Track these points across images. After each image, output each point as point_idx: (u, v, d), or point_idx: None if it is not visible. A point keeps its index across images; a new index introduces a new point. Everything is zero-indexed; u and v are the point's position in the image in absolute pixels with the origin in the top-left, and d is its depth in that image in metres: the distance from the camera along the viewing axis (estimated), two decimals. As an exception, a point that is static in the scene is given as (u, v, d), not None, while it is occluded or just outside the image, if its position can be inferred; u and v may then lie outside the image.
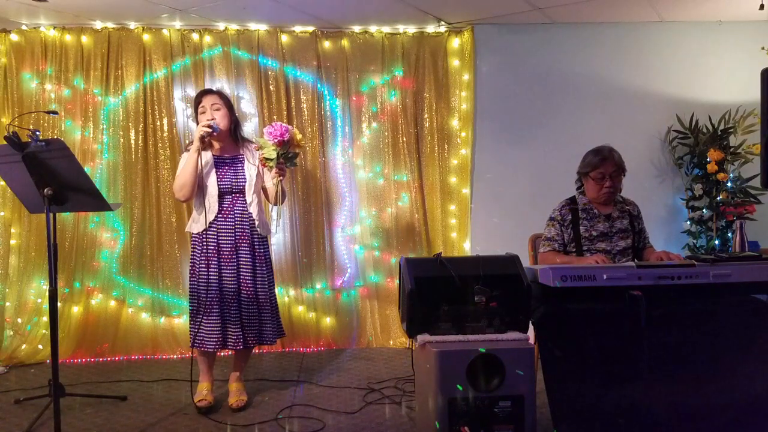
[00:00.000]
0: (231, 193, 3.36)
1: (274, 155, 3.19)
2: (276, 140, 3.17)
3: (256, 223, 3.39)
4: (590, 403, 2.60)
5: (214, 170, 3.34)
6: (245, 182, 3.37)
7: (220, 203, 3.34)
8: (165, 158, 4.50)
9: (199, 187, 3.34)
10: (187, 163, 3.31)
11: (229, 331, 3.33)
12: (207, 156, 3.35)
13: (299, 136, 3.28)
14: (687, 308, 2.69)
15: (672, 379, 2.60)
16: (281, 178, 3.28)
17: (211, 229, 3.34)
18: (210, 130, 3.26)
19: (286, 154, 3.24)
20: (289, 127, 3.24)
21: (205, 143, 3.30)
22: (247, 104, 4.61)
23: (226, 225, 3.35)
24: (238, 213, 3.36)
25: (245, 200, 3.39)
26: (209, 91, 3.47)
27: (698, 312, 2.70)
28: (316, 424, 3.15)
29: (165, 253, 4.52)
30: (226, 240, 3.34)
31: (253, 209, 3.38)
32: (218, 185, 3.33)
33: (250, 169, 3.39)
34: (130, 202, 4.49)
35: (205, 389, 3.41)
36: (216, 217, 3.34)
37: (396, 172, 4.73)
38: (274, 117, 4.57)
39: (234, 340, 3.33)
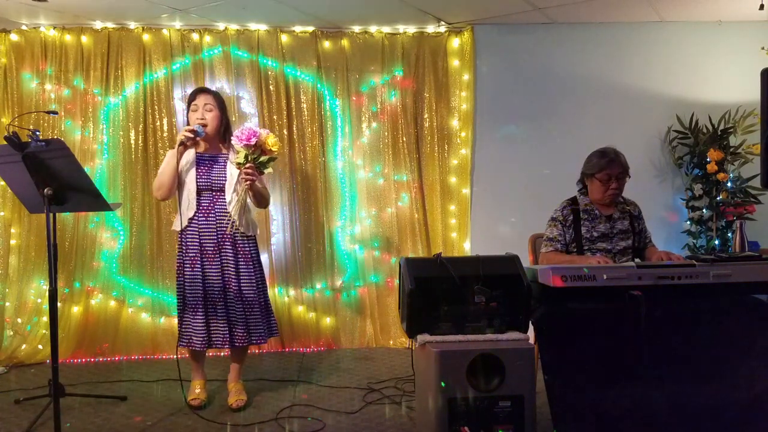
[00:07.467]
0: (211, 190, 3.34)
1: (241, 159, 3.22)
2: (242, 143, 3.18)
3: (236, 221, 3.35)
4: (590, 403, 2.60)
5: (194, 168, 3.33)
6: (225, 180, 3.35)
7: (199, 201, 3.33)
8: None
9: (180, 186, 3.35)
10: (167, 164, 3.33)
11: (216, 330, 3.33)
12: (189, 154, 3.35)
13: (272, 140, 3.25)
14: (687, 308, 2.69)
15: (672, 379, 2.60)
16: (248, 183, 3.25)
17: (192, 227, 3.34)
18: (191, 135, 3.26)
19: (256, 158, 3.22)
20: (261, 131, 3.23)
21: (187, 146, 3.31)
22: (247, 104, 4.61)
23: (208, 224, 3.34)
24: (219, 211, 3.35)
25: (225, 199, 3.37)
26: (204, 90, 3.47)
27: (698, 312, 2.70)
28: (316, 424, 3.15)
29: (165, 253, 4.52)
30: (209, 239, 3.34)
31: (232, 207, 3.34)
32: (197, 182, 3.32)
33: (231, 168, 3.36)
34: (130, 202, 4.49)
35: (198, 387, 3.45)
36: (196, 214, 3.33)
37: (396, 172, 4.72)
38: (274, 117, 4.57)
39: (221, 339, 3.32)
